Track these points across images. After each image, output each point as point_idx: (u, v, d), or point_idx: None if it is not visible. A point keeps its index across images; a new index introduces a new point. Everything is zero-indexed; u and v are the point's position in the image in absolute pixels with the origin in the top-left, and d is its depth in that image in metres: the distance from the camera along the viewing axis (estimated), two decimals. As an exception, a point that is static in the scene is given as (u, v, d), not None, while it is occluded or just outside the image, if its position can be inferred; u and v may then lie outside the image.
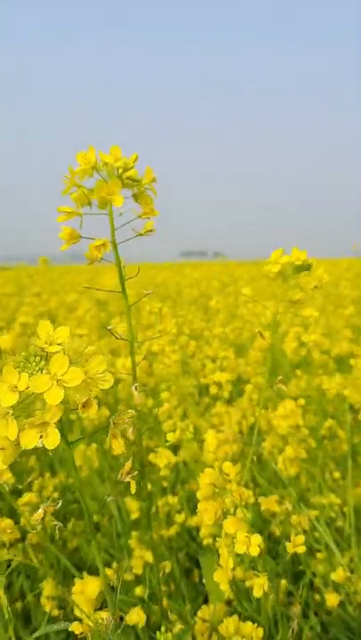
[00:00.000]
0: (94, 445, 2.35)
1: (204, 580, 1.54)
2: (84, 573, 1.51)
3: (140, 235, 1.19)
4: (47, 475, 2.21)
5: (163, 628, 1.19)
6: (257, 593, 1.14)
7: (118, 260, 1.20)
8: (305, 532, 1.53)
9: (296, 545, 1.28)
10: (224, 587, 1.15)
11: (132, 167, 1.17)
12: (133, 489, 0.94)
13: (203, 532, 1.78)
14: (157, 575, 1.46)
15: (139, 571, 1.74)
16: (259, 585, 1.14)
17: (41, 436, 0.74)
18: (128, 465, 0.96)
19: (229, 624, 1.18)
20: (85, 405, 0.78)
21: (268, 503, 1.31)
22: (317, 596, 1.79)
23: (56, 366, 0.74)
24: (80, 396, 0.77)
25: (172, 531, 1.96)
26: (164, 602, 1.53)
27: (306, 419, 2.20)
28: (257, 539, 1.11)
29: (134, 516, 2.01)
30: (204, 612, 1.44)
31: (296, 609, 1.26)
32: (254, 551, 1.09)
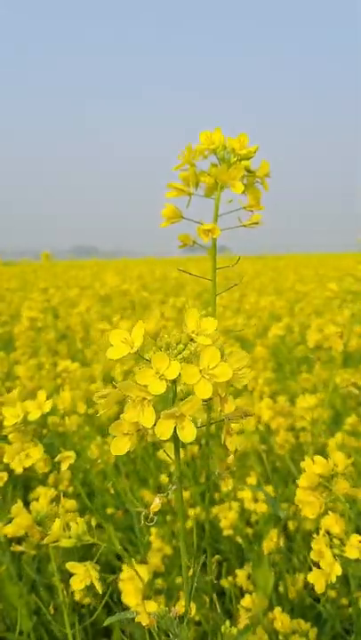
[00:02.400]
0: (110, 439, 2.34)
1: (239, 569, 1.50)
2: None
3: (245, 226, 1.15)
4: (62, 469, 2.20)
5: (227, 623, 1.16)
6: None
7: (215, 248, 1.15)
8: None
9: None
10: (320, 589, 1.01)
11: (252, 157, 1.13)
12: (230, 485, 0.92)
13: (224, 523, 1.78)
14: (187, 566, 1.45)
15: (158, 564, 1.74)
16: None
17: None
18: (228, 461, 0.94)
19: (283, 619, 1.10)
20: (222, 401, 0.76)
21: None
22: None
23: (207, 359, 0.72)
24: (221, 391, 0.75)
25: (188, 524, 1.96)
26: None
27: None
28: None
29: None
30: (246, 600, 1.40)
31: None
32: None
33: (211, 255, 1.17)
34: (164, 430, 0.71)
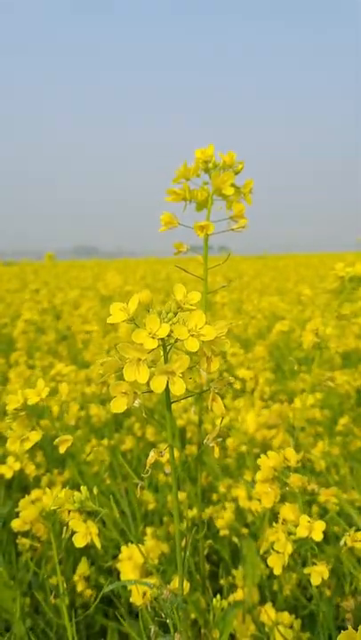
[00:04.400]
0: (105, 441, 2.35)
1: (234, 568, 1.55)
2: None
3: (233, 230, 1.33)
4: (55, 471, 2.21)
5: (218, 596, 1.25)
6: (315, 581, 1.13)
7: (207, 248, 1.32)
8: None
9: (356, 540, 1.22)
10: (278, 571, 1.15)
11: (240, 171, 1.33)
12: (217, 453, 1.02)
13: (220, 523, 1.79)
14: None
15: (154, 561, 1.75)
16: (318, 573, 1.13)
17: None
18: (216, 430, 1.03)
19: (269, 612, 1.17)
20: (209, 360, 0.87)
21: (328, 494, 1.28)
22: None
23: (194, 320, 0.85)
24: (207, 351, 0.87)
25: (184, 525, 1.97)
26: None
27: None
28: (321, 524, 1.11)
29: (150, 506, 2.02)
30: (238, 594, 1.44)
31: (349, 602, 1.25)
32: (317, 536, 1.10)
33: (204, 255, 1.33)
34: (158, 385, 0.82)
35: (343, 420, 2.16)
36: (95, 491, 1.15)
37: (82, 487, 1.15)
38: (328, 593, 1.53)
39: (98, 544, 1.07)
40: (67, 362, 3.74)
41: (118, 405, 0.85)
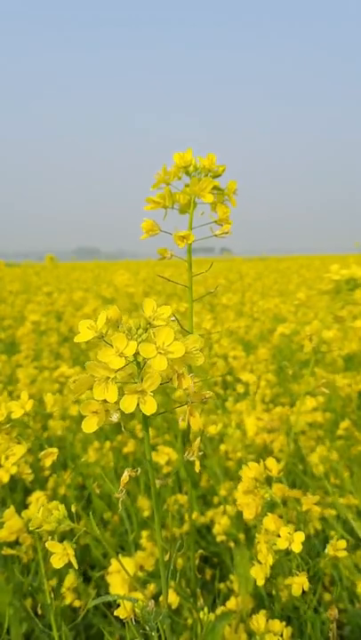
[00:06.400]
0: (108, 443, 2.35)
1: (233, 572, 1.54)
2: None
3: (216, 235, 1.28)
4: (61, 473, 2.21)
5: (205, 609, 1.23)
6: (296, 592, 1.13)
7: (190, 256, 1.29)
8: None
9: (337, 549, 1.23)
10: (260, 582, 1.15)
11: (220, 175, 1.29)
12: (198, 467, 1.01)
13: (217, 528, 1.79)
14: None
15: (150, 567, 1.75)
16: (298, 584, 1.13)
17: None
18: (195, 445, 1.01)
19: (260, 620, 1.18)
20: (180, 378, 0.85)
21: (309, 503, 1.28)
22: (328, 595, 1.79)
23: (162, 338, 0.82)
24: (177, 368, 0.85)
25: (184, 529, 1.97)
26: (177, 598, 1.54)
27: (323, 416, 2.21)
28: (300, 536, 1.11)
29: (146, 513, 2.01)
30: (232, 602, 1.44)
31: (333, 612, 1.24)
32: (297, 548, 1.10)
33: (188, 262, 1.28)
34: (129, 405, 0.80)
35: (345, 424, 2.16)
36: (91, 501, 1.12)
37: (58, 505, 1.09)
38: (328, 597, 1.53)
39: (75, 565, 1.04)
40: (69, 363, 3.75)
41: (89, 425, 0.82)
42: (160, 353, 0.81)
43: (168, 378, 0.85)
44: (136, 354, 0.81)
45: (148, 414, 0.81)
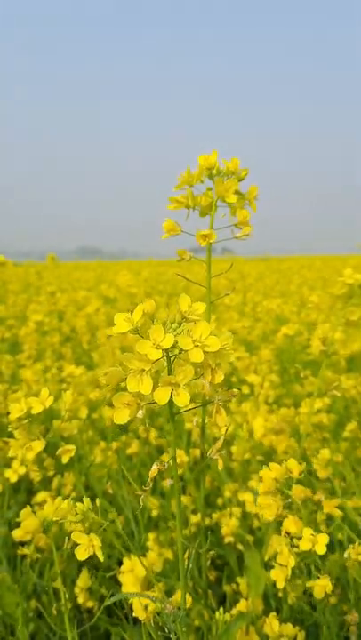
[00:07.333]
0: (114, 444, 2.35)
1: (239, 574, 1.53)
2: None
3: (237, 238, 1.32)
4: (66, 473, 2.21)
5: (221, 609, 1.23)
6: (318, 594, 1.12)
7: (210, 256, 1.33)
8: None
9: (359, 553, 1.23)
10: (280, 585, 1.14)
11: (243, 178, 1.32)
12: (221, 465, 1.00)
13: (224, 530, 1.78)
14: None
15: (158, 568, 1.74)
16: (321, 586, 1.12)
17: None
18: (220, 442, 1.02)
19: (273, 623, 1.17)
20: (213, 372, 0.86)
21: (331, 506, 1.27)
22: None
23: (199, 331, 0.84)
24: (211, 362, 0.86)
25: (189, 530, 1.96)
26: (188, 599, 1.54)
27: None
28: (324, 538, 1.10)
29: (154, 513, 2.01)
30: (242, 604, 1.44)
31: (354, 616, 1.23)
32: (321, 550, 1.10)
33: (207, 262, 1.32)
34: (162, 396, 0.81)
35: (351, 426, 2.15)
36: (98, 502, 1.13)
37: (84, 498, 1.12)
38: (334, 601, 1.53)
39: (101, 557, 1.05)
40: (71, 363, 3.75)
41: (121, 417, 0.84)
42: (197, 346, 0.82)
43: (198, 374, 0.87)
44: (169, 348, 0.83)
45: (181, 406, 0.83)
